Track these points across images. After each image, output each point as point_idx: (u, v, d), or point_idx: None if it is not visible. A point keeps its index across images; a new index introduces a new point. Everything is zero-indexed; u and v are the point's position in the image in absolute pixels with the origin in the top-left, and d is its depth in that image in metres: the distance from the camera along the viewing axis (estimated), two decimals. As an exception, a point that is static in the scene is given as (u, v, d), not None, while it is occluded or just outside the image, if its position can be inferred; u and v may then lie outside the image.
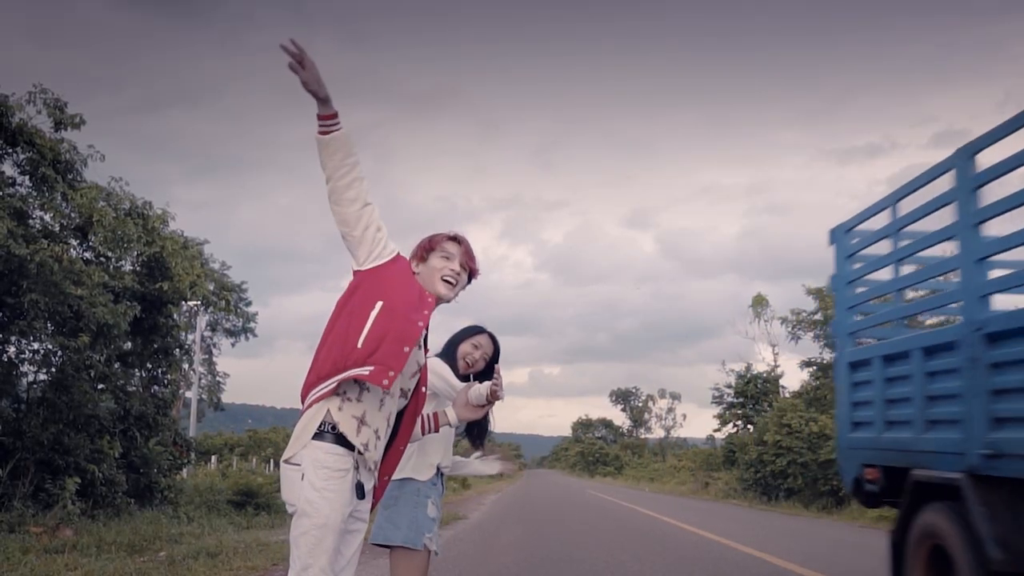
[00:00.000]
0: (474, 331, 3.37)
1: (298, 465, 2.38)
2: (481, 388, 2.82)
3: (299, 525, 2.35)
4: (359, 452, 2.42)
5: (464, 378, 3.30)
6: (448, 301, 2.73)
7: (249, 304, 43.77)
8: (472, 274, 2.80)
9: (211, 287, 37.47)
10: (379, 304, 2.45)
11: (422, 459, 3.19)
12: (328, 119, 2.40)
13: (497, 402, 2.86)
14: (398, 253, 2.62)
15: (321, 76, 2.36)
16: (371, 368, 2.38)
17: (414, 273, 2.73)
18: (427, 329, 2.69)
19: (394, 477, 3.14)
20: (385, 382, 2.38)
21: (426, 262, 2.72)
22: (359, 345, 2.40)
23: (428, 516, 3.14)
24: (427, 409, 3.06)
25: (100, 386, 11.74)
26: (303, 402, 2.48)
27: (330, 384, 2.40)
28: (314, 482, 2.34)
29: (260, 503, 13.95)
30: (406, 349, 2.45)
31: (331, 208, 2.50)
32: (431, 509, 3.16)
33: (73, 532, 8.90)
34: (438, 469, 3.25)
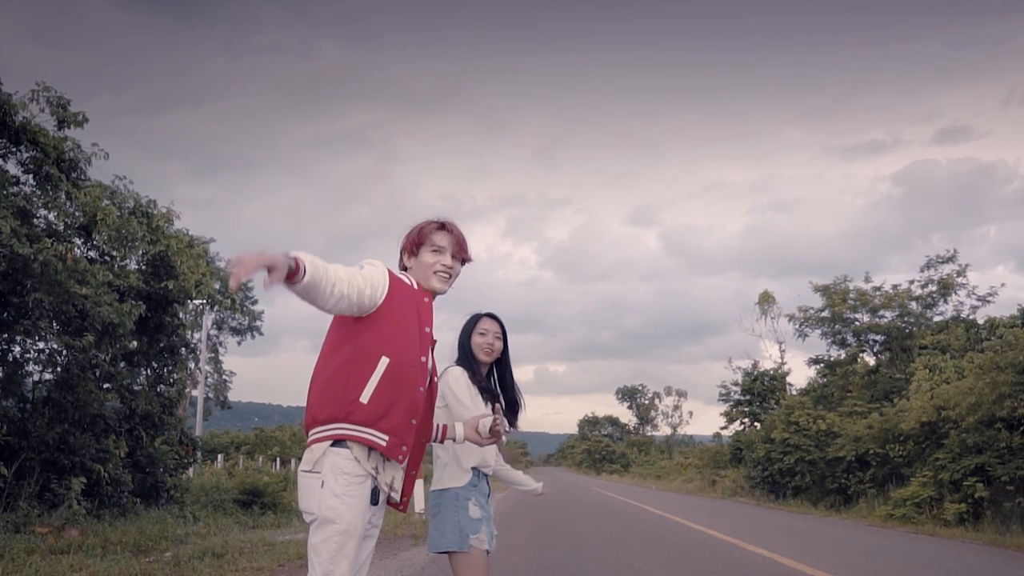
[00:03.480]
0: (474, 321, 3.33)
1: (318, 473, 2.34)
2: (487, 421, 2.84)
3: (320, 532, 2.30)
4: (371, 475, 2.39)
5: (488, 369, 3.32)
6: (443, 293, 2.69)
7: (255, 302, 43.97)
8: (464, 261, 2.75)
9: (217, 285, 37.69)
10: (385, 361, 2.38)
11: (457, 467, 3.19)
12: (295, 275, 2.12)
13: (502, 437, 2.90)
14: (388, 276, 2.48)
15: (263, 255, 2.02)
16: (387, 439, 2.36)
17: (405, 268, 2.67)
18: (431, 327, 2.64)
19: (433, 488, 3.20)
20: (400, 457, 2.41)
21: (417, 256, 2.67)
22: (363, 400, 2.34)
23: (471, 517, 3.13)
24: (439, 419, 3.03)
25: (106, 385, 11.72)
26: (307, 435, 2.42)
27: (329, 431, 2.35)
28: (335, 488, 2.31)
29: (266, 502, 13.92)
30: (413, 422, 2.46)
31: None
32: (473, 510, 3.15)
33: (79, 532, 8.87)
34: (477, 471, 3.23)
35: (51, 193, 9.31)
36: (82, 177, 9.92)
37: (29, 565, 6.78)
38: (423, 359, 2.51)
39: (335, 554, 2.27)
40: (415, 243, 2.68)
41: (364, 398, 2.33)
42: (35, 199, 9.22)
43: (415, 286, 2.61)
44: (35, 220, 9.35)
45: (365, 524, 2.37)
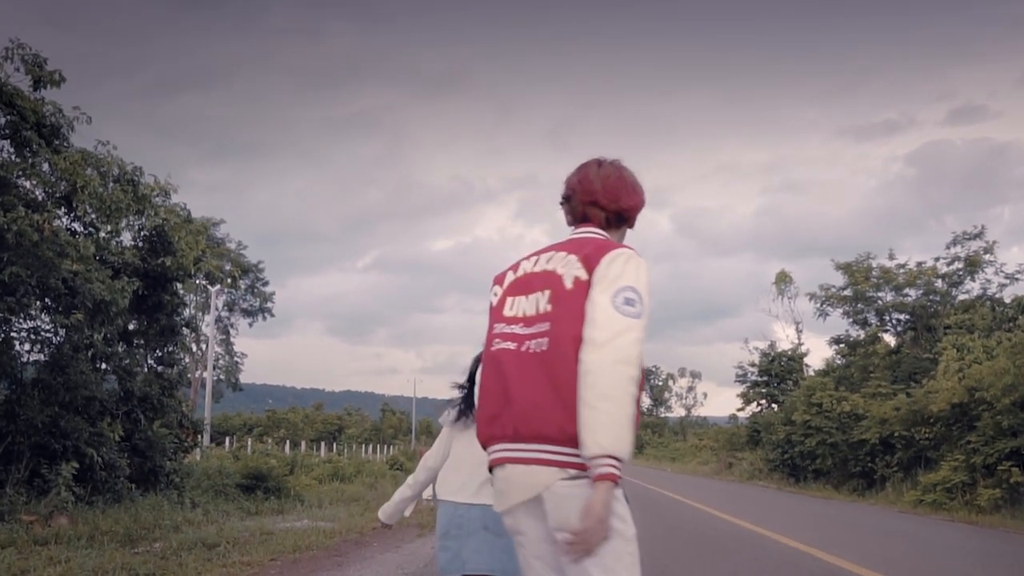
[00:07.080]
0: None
1: (587, 477, 1.82)
2: None
3: (612, 549, 1.82)
4: None
5: None
6: None
7: (266, 284, 43.64)
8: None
9: (228, 266, 37.31)
10: None
11: None
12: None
13: None
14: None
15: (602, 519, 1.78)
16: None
17: (589, 219, 2.15)
18: None
19: (478, 502, 2.72)
20: None
21: (620, 231, 2.21)
22: None
23: None
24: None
25: (103, 367, 11.22)
26: (537, 445, 1.86)
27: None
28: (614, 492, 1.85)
29: (270, 487, 13.44)
30: None
31: None
32: None
33: (69, 520, 8.39)
34: None
35: (30, 160, 8.71)
36: (64, 144, 9.31)
37: (2, 559, 6.26)
38: None
39: (632, 568, 1.87)
40: (636, 213, 2.23)
41: None
42: (12, 166, 8.61)
43: None
44: (15, 189, 8.74)
45: None
